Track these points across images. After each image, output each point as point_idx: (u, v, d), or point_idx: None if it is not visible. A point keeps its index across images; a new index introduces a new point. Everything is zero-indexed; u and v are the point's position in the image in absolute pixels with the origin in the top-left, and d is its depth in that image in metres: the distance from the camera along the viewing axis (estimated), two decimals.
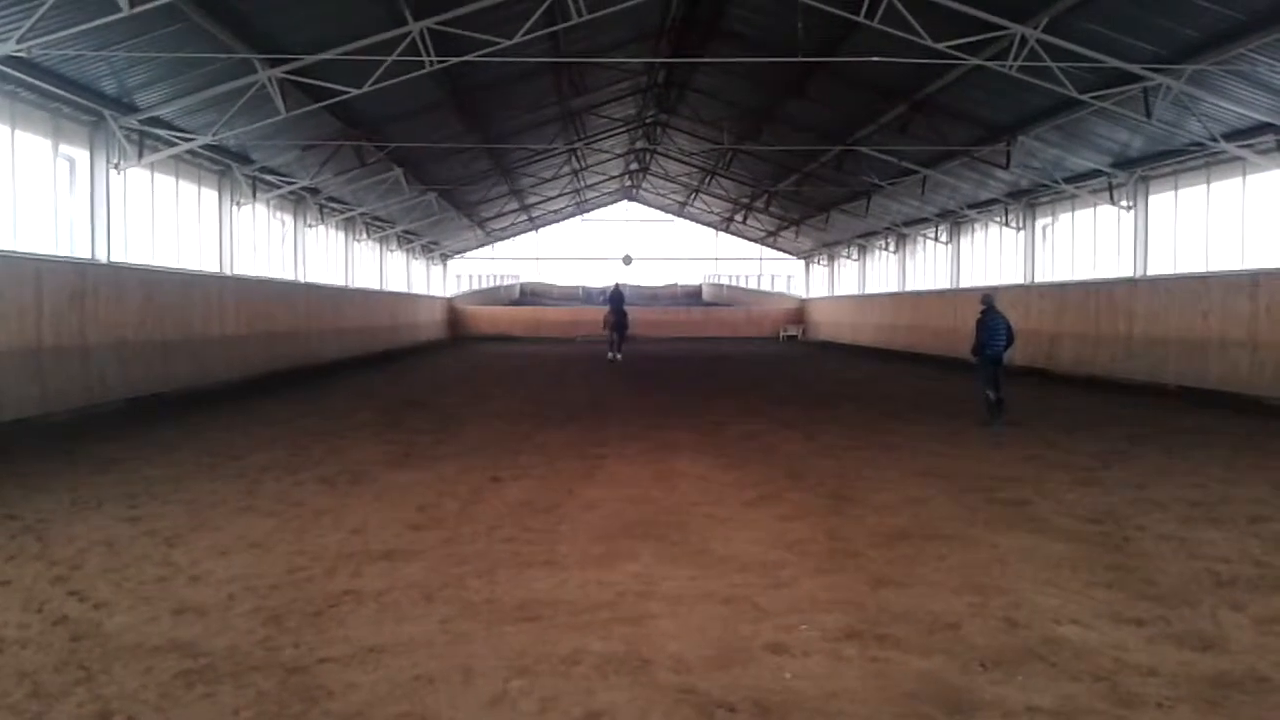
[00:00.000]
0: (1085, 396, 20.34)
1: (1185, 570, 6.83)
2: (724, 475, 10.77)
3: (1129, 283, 24.11)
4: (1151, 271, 24.02)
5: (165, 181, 21.90)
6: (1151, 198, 24.24)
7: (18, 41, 13.52)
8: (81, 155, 18.34)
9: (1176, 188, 23.33)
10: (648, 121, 38.31)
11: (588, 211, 55.80)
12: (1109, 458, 12.02)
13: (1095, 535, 7.87)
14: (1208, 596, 6.20)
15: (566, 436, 13.95)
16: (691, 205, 52.71)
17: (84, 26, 13.91)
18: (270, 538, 7.71)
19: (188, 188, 23.01)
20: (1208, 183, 22.16)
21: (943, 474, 10.80)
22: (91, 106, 17.84)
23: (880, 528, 8.12)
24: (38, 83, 16.15)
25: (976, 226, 34.89)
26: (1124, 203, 24.82)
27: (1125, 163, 24.11)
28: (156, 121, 19.46)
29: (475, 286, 58.28)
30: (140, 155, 19.42)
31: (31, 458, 11.72)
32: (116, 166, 18.93)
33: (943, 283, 37.47)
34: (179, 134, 20.12)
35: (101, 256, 18.52)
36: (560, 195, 49.29)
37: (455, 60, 18.66)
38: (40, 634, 5.46)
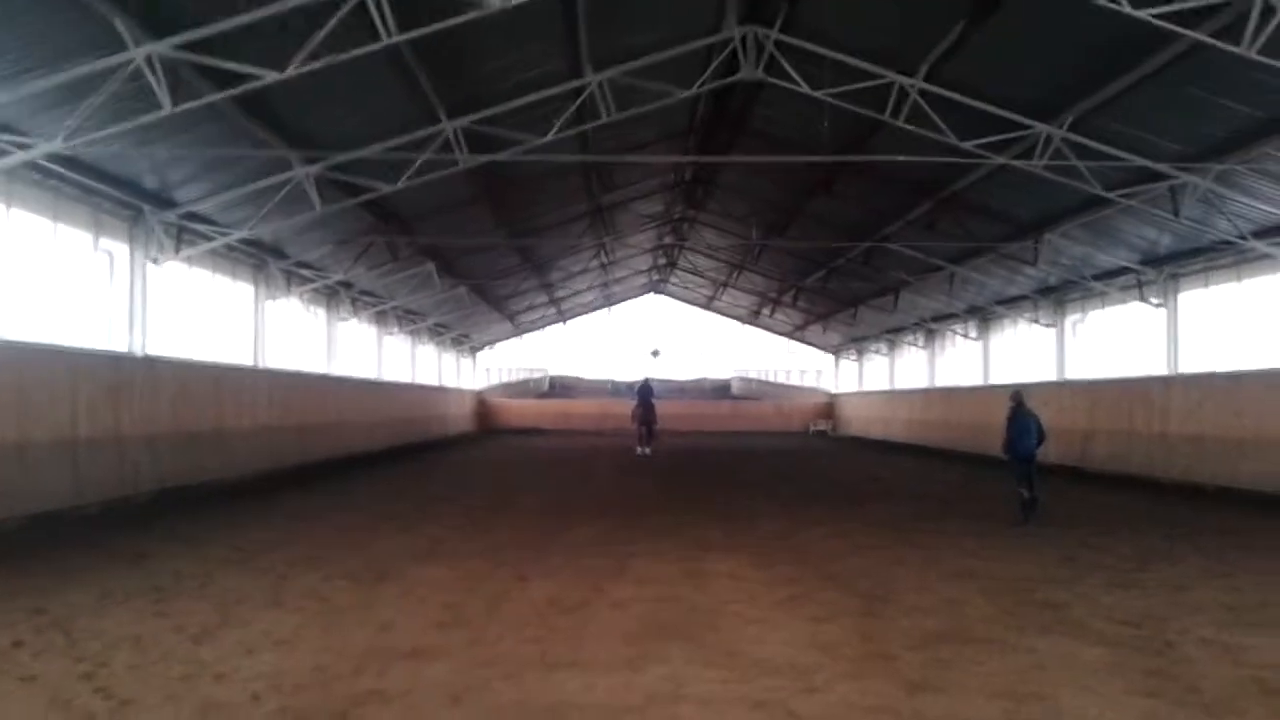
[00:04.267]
0: (1119, 495, 20.04)
1: (1229, 676, 6.66)
2: (755, 574, 10.64)
3: (1162, 380, 23.93)
4: (1183, 369, 23.84)
5: (201, 275, 22.27)
6: (1182, 295, 24.19)
7: (64, 139, 13.91)
8: (121, 249, 18.71)
9: (1207, 285, 23.28)
10: (676, 218, 38.74)
11: (615, 304, 56.14)
12: (1146, 559, 11.81)
13: (1134, 639, 7.70)
14: (1253, 705, 6.04)
15: (594, 533, 13.84)
16: (719, 299, 53.00)
17: (127, 125, 14.28)
18: (296, 635, 7.66)
19: (223, 281, 23.39)
20: (1238, 280, 22.11)
21: (976, 575, 10.64)
22: (131, 201, 18.26)
23: (914, 630, 7.97)
24: (80, 178, 16.58)
25: (1006, 322, 34.87)
26: (1154, 300, 24.77)
27: (1154, 260, 24.12)
28: (194, 216, 19.87)
29: (504, 379, 58.53)
30: (178, 249, 19.80)
31: (63, 550, 11.74)
32: (155, 260, 19.28)
33: (973, 379, 37.31)
34: (216, 228, 20.52)
35: (138, 349, 18.77)
36: (589, 289, 49.73)
37: (487, 158, 19.03)
38: None
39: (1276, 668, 6.88)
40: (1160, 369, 24.58)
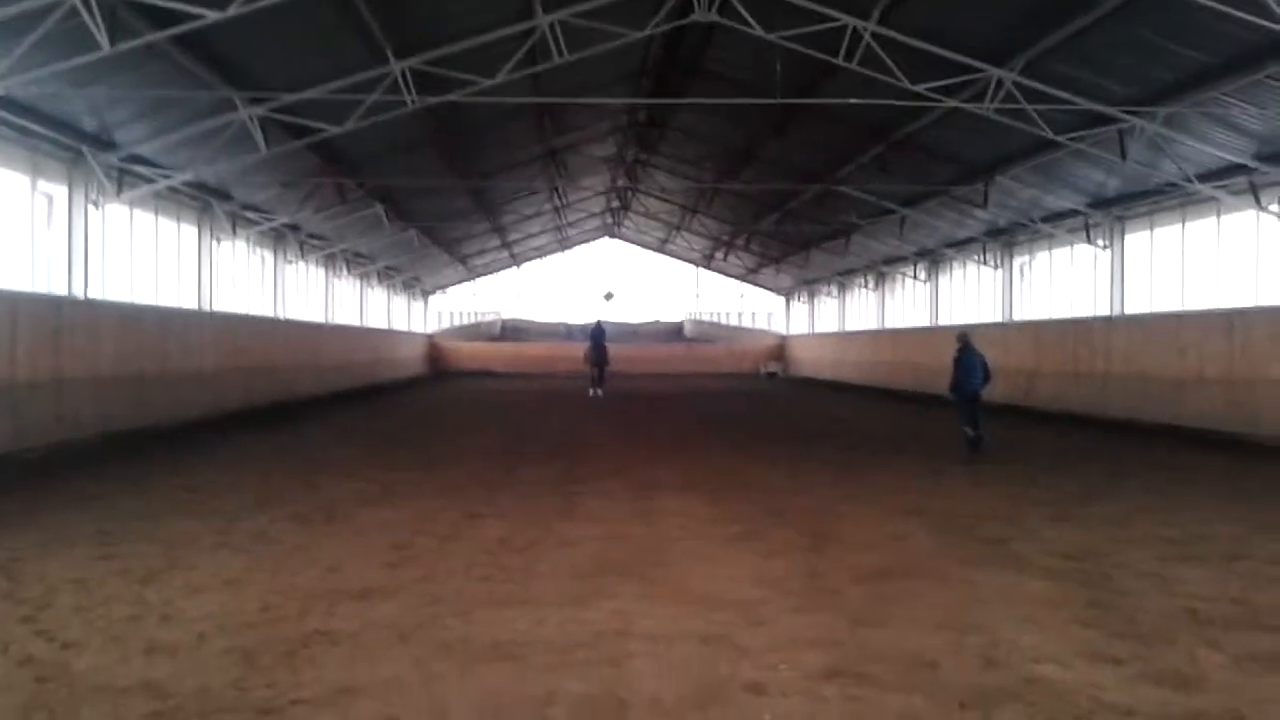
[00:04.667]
0: (1064, 433, 20.40)
1: (1164, 608, 6.83)
2: (704, 512, 10.73)
3: (1106, 320, 24.29)
4: (1128, 310, 24.20)
5: (144, 218, 21.82)
6: (1128, 237, 24.47)
7: None
8: (60, 192, 18.26)
9: (1152, 227, 23.57)
10: (629, 161, 38.50)
11: (569, 247, 55.88)
12: (1087, 495, 12.05)
13: (1074, 573, 7.86)
14: (1186, 635, 6.20)
15: (546, 473, 13.88)
16: (673, 242, 52.89)
17: (64, 65, 13.88)
18: (244, 576, 7.62)
19: (167, 224, 22.94)
20: (1183, 222, 22.39)
21: (922, 511, 10.80)
22: (70, 143, 17.79)
23: (860, 565, 8.09)
24: (16, 119, 16.10)
25: (955, 265, 35.15)
26: (1100, 242, 25.05)
27: (1101, 203, 24.35)
28: (136, 158, 19.42)
29: (456, 322, 58.26)
30: (119, 191, 19.36)
31: (4, 494, 11.58)
32: (95, 203, 18.86)
33: (922, 320, 37.66)
34: (159, 170, 20.08)
35: (79, 293, 18.42)
36: (542, 232, 49.42)
37: (437, 100, 18.73)
38: (5, 675, 5.37)
39: (1210, 599, 7.06)
40: (1106, 310, 24.92)
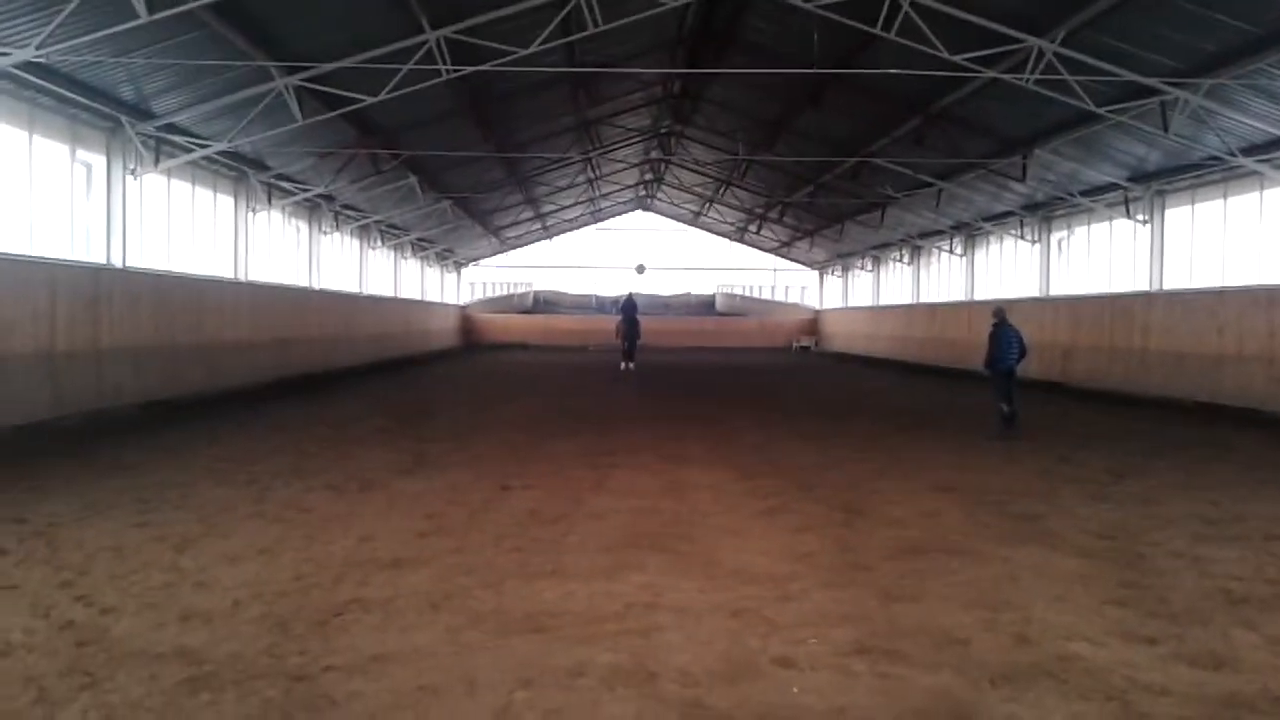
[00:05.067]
0: (1099, 410, 20.22)
1: (1198, 588, 6.77)
2: (735, 486, 10.73)
3: (1144, 296, 23.99)
4: (1167, 286, 23.89)
5: (181, 187, 21.97)
6: (1168, 212, 24.12)
7: (37, 47, 13.60)
8: (98, 161, 18.41)
9: (1193, 202, 23.20)
10: (663, 132, 38.32)
11: (602, 220, 55.78)
12: (1122, 473, 11.94)
13: (1108, 551, 7.80)
14: (1220, 615, 6.14)
15: (577, 446, 13.92)
16: (706, 215, 52.66)
17: (102, 33, 13.96)
18: (278, 544, 7.70)
19: (203, 193, 23.09)
20: (1224, 197, 22.04)
21: (955, 487, 10.75)
22: (109, 113, 17.91)
23: (891, 541, 8.07)
24: (56, 88, 16.21)
25: (992, 239, 34.79)
26: (1140, 216, 24.71)
27: (1142, 176, 24.00)
28: (173, 128, 19.53)
29: (489, 294, 58.39)
30: (157, 161, 19.49)
31: (44, 461, 11.75)
32: (133, 172, 19.00)
33: (957, 295, 37.35)
34: (195, 140, 20.18)
35: (117, 262, 18.59)
36: (575, 204, 49.31)
37: (471, 69, 18.69)
38: (46, 639, 5.46)
39: (1245, 579, 6.99)
40: (1145, 285, 24.61)
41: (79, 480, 10.45)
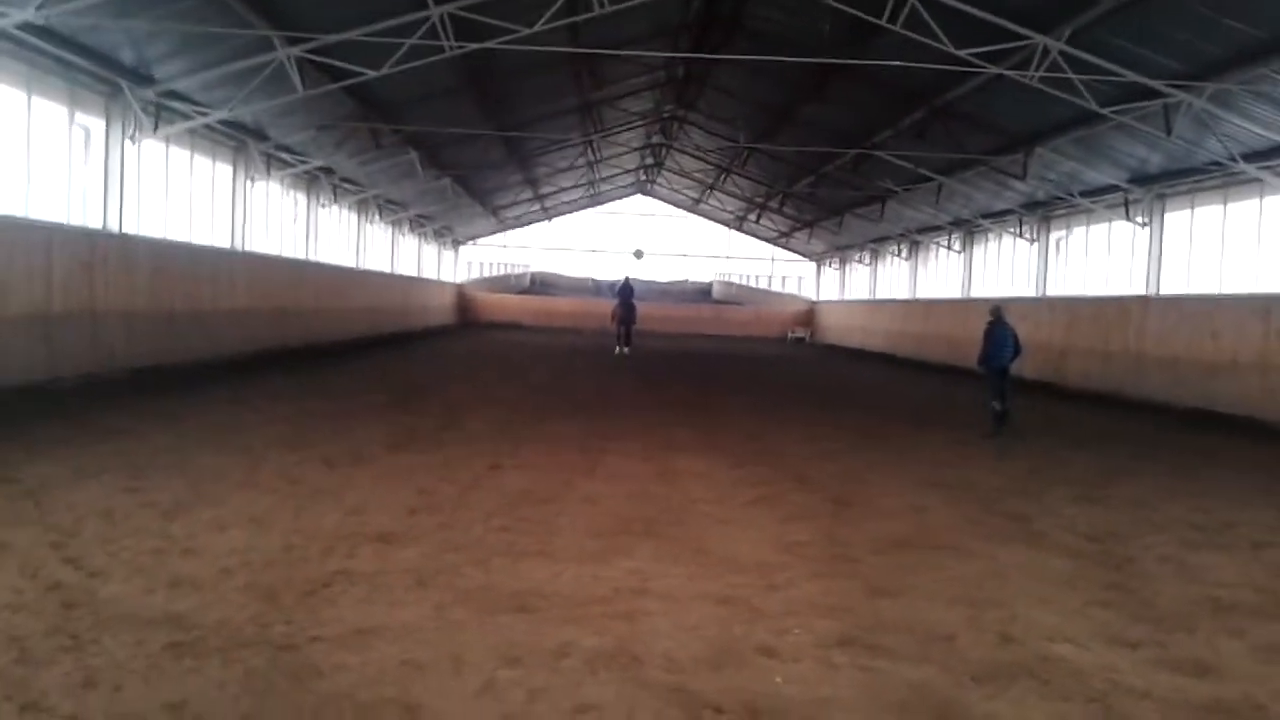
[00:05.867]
0: (1092, 412, 20.25)
1: (1184, 594, 6.79)
2: (726, 474, 10.74)
3: (1141, 300, 24.01)
4: (1165, 290, 23.92)
5: (180, 154, 21.89)
6: (1168, 215, 24.13)
7: (37, 8, 13.52)
8: (97, 125, 18.32)
9: (1193, 206, 23.22)
10: (665, 116, 38.24)
11: (601, 203, 55.68)
12: (1113, 476, 11.97)
13: (1095, 553, 7.83)
14: (1206, 621, 6.16)
15: (569, 428, 13.92)
16: (705, 202, 52.60)
17: None
18: (269, 514, 7.70)
19: (202, 161, 23.00)
20: (1224, 203, 22.05)
21: (945, 483, 10.77)
22: (109, 76, 17.82)
23: (880, 534, 8.09)
24: (56, 50, 16.12)
25: (990, 236, 34.80)
26: (1139, 219, 24.72)
27: (1143, 179, 24.00)
28: (174, 94, 19.44)
29: (486, 273, 58.34)
30: (156, 127, 19.40)
31: (36, 422, 11.71)
32: (132, 137, 18.92)
33: (954, 291, 37.38)
34: (196, 107, 20.09)
35: (114, 227, 18.53)
36: (575, 186, 49.24)
37: (474, 46, 18.61)
38: (33, 600, 5.46)
39: (1232, 586, 7.01)
40: (1142, 289, 24.65)
41: (72, 443, 10.42)
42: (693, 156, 43.33)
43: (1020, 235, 31.37)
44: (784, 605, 6.03)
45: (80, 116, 17.85)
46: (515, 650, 5.05)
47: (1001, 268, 33.82)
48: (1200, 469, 12.84)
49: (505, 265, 58.76)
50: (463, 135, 30.05)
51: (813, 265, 57.51)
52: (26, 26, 14.45)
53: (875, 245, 45.98)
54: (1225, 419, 18.68)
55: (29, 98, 16.41)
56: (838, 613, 5.93)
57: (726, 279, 59.00)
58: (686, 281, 59.01)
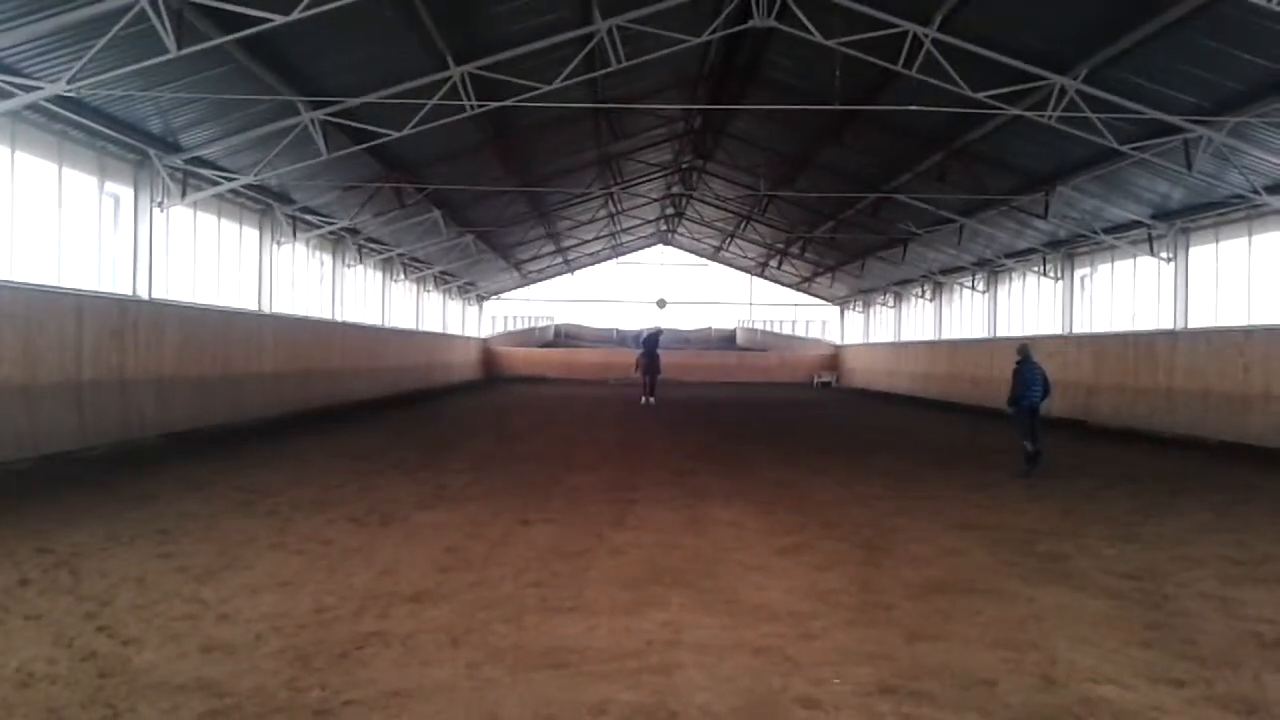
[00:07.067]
0: (1124, 449, 20.02)
1: (1227, 631, 6.67)
2: (756, 522, 10.67)
3: (1169, 335, 23.84)
4: (1192, 324, 23.75)
5: (207, 220, 22.21)
6: (1192, 249, 24.04)
7: (68, 82, 13.81)
8: (126, 193, 18.64)
9: (1217, 240, 23.12)
10: (684, 167, 38.51)
11: (623, 255, 55.99)
12: (1148, 513, 11.81)
13: (1134, 592, 7.71)
14: (1251, 658, 6.04)
15: (597, 480, 13.89)
16: (726, 250, 52.79)
17: (133, 67, 14.20)
18: (300, 576, 7.70)
19: (229, 226, 23.32)
20: (1249, 235, 21.95)
21: (978, 526, 10.66)
22: (137, 145, 18.16)
23: (914, 579, 8.00)
24: (86, 121, 16.48)
25: (1014, 276, 34.72)
26: (1164, 254, 24.61)
27: (1165, 214, 23.94)
28: (200, 161, 19.78)
29: (510, 327, 58.62)
30: (184, 194, 19.72)
31: (69, 490, 11.80)
32: (160, 205, 19.23)
33: (979, 332, 37.24)
34: (222, 173, 20.42)
35: (143, 293, 18.77)
36: (596, 239, 49.58)
37: (495, 105, 18.87)
38: (69, 670, 5.47)
39: (1275, 622, 6.88)
40: (1169, 323, 24.48)
41: (103, 510, 10.48)
42: (713, 205, 43.57)
43: (1044, 274, 31.29)
44: (820, 654, 5.96)
45: (110, 185, 18.17)
46: (551, 708, 5.00)
47: (1026, 306, 33.70)
48: (1235, 504, 12.65)
49: (529, 318, 59.04)
50: (485, 192, 30.36)
51: (836, 309, 57.48)
52: (58, 99, 14.78)
53: (898, 287, 45.95)
54: (1259, 451, 18.45)
55: (59, 168, 16.74)
56: (876, 660, 5.86)
57: (750, 325, 59.01)
58: (710, 329, 59.06)
